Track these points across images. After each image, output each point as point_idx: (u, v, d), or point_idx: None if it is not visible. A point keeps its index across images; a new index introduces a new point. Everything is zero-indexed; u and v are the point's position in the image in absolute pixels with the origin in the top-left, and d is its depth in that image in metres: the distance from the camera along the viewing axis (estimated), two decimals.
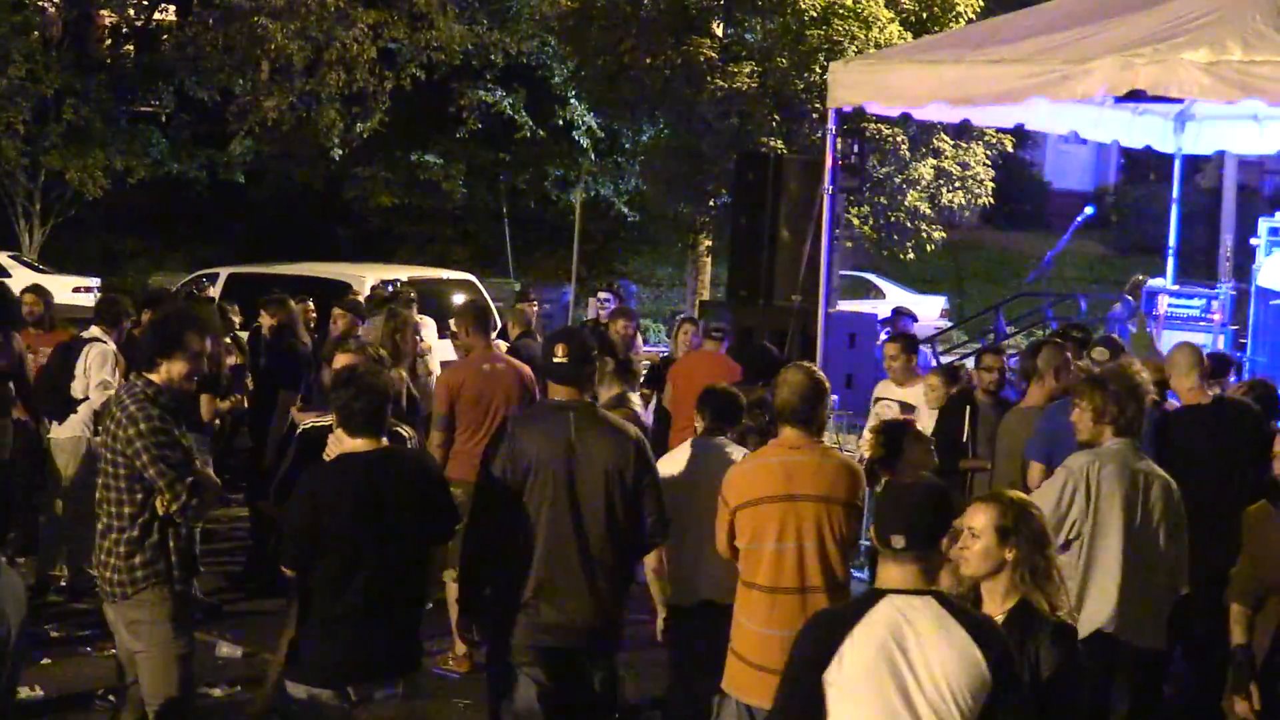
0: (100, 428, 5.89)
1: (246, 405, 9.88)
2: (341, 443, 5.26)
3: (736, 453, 6.13)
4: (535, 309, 12.84)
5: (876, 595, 3.84)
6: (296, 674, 5.19)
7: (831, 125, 10.51)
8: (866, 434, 5.74)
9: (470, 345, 8.45)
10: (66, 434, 9.16)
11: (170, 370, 5.72)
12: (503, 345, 11.39)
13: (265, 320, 10.26)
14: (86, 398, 9.08)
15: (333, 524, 5.12)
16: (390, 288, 13.12)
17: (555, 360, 5.72)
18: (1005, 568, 4.29)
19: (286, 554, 5.30)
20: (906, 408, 8.69)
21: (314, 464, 5.44)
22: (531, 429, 5.69)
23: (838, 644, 3.78)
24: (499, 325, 12.09)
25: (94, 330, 9.44)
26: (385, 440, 5.29)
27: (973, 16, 18.33)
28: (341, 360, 6.44)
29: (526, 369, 8.51)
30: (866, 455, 5.79)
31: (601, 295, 12.99)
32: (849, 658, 3.76)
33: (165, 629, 5.70)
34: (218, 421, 9.42)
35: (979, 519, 4.29)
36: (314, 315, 11.68)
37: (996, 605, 4.28)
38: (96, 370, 9.12)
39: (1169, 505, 5.79)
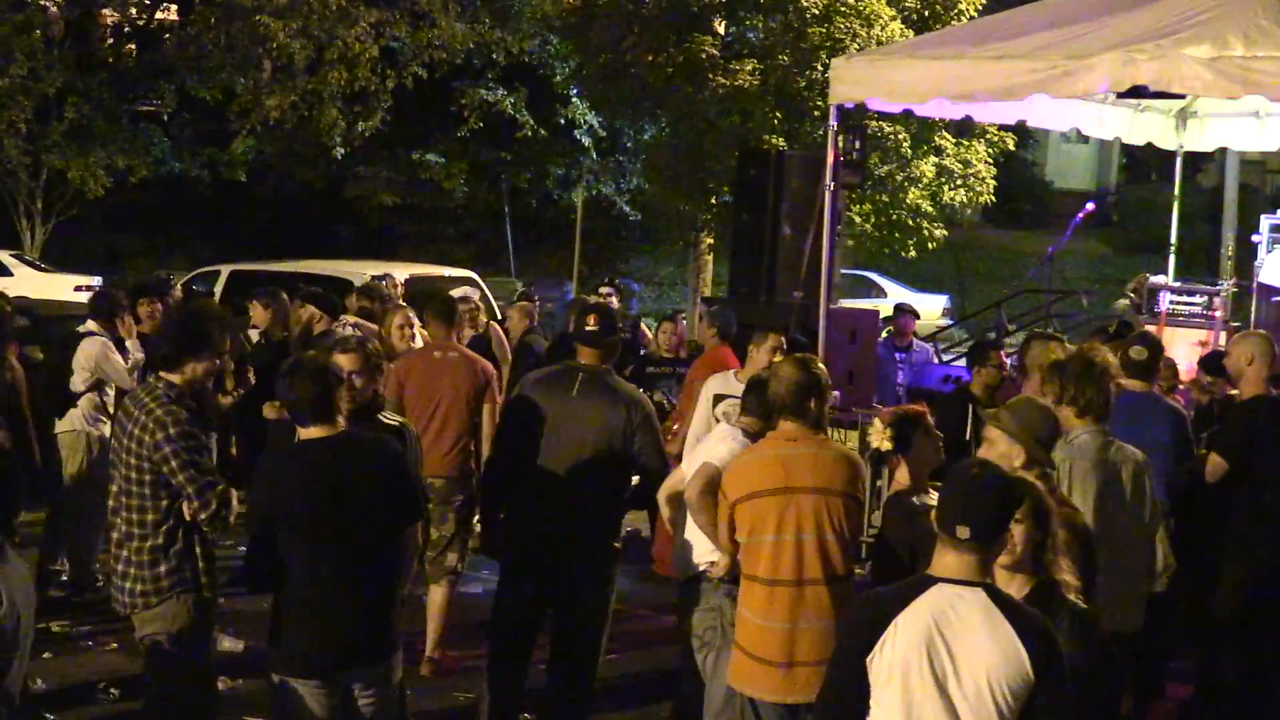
0: (114, 429, 5.80)
1: (241, 400, 9.84)
2: (297, 432, 5.23)
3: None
4: (535, 307, 12.94)
5: (927, 582, 3.82)
6: (277, 665, 5.19)
7: (833, 121, 10.50)
8: (877, 423, 5.72)
9: (431, 334, 8.44)
10: (66, 429, 9.17)
11: (196, 369, 5.68)
12: (502, 329, 11.40)
13: (257, 315, 10.21)
14: (86, 391, 9.10)
15: (294, 508, 5.09)
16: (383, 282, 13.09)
17: (587, 328, 6.53)
18: (1032, 549, 4.27)
19: (253, 534, 5.29)
20: None
21: (272, 451, 5.46)
22: (539, 386, 6.53)
23: (882, 628, 3.78)
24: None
25: (90, 325, 9.46)
26: (341, 425, 5.25)
27: (974, 14, 18.31)
28: (342, 360, 6.43)
29: (484, 361, 8.52)
30: (875, 446, 5.76)
31: (603, 290, 13.00)
32: (890, 643, 3.76)
33: (184, 646, 5.61)
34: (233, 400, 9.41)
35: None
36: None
37: (1015, 589, 4.24)
38: (90, 364, 9.15)
39: (1139, 487, 5.79)
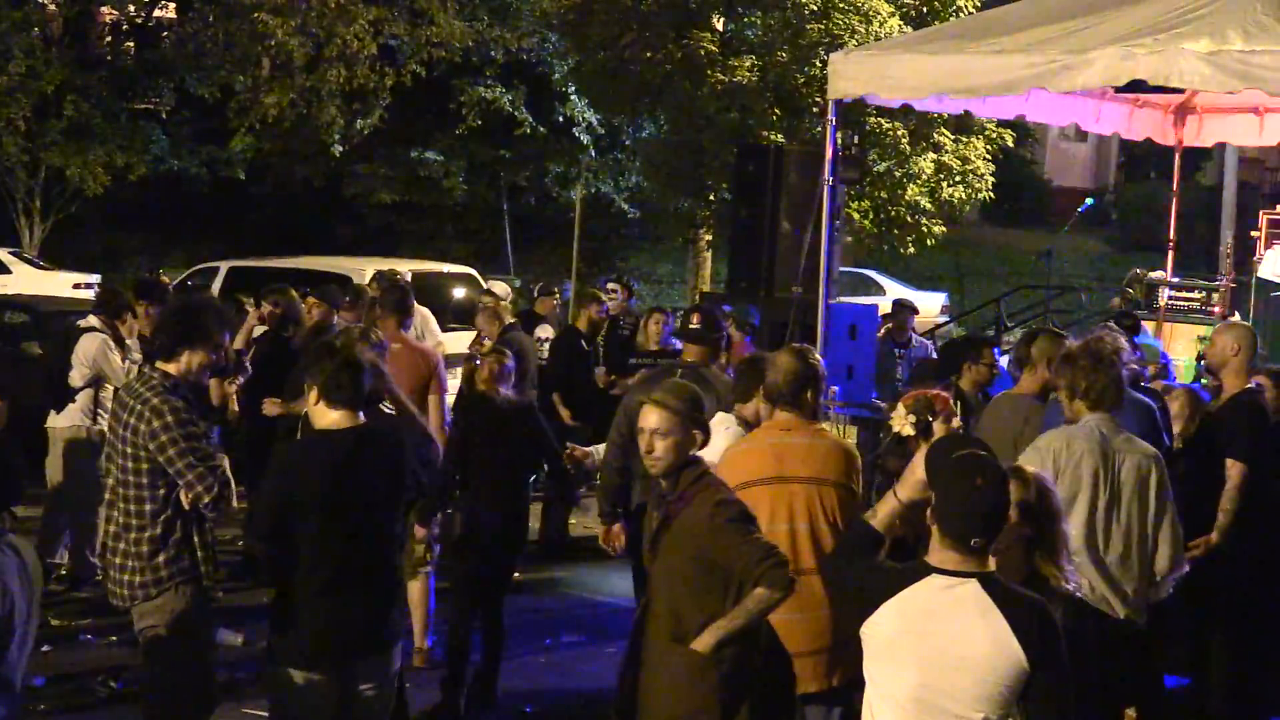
0: (110, 422, 5.78)
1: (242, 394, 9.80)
2: (322, 416, 5.17)
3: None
4: (555, 302, 13.38)
5: (922, 570, 3.82)
6: (282, 655, 5.17)
7: (831, 116, 10.49)
8: (899, 407, 5.66)
9: (382, 326, 8.36)
10: (64, 423, 9.16)
11: (191, 360, 5.64)
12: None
13: (266, 309, 10.19)
14: (84, 386, 9.10)
15: (308, 502, 5.06)
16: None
17: (690, 326, 7.06)
18: (1021, 542, 4.26)
19: (259, 528, 5.22)
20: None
21: (291, 440, 5.42)
22: (642, 387, 6.91)
23: (873, 606, 3.80)
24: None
25: (92, 320, 9.46)
26: (361, 417, 5.23)
27: (973, 10, 18.31)
28: None
29: (428, 351, 8.53)
30: (898, 431, 5.70)
31: (610, 286, 13.06)
32: (878, 624, 3.78)
33: (184, 637, 5.58)
34: (234, 408, 9.39)
35: None
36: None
37: (1006, 577, 4.24)
38: (88, 360, 9.15)
39: (1143, 480, 5.75)
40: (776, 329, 11.02)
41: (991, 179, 19.60)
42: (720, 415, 6.37)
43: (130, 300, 9.72)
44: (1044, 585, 4.23)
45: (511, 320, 11.73)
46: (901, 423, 5.55)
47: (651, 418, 4.91)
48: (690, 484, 4.88)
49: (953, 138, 18.97)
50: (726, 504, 4.84)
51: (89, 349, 9.18)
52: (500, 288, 13.21)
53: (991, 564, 3.89)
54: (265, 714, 6.40)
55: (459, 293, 15.84)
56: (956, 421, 5.73)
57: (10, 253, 24.80)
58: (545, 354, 11.68)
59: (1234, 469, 7.02)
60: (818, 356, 5.78)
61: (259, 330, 10.15)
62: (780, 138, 17.97)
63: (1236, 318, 12.13)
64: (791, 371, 5.57)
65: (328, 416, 5.16)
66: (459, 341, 12.85)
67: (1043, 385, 7.29)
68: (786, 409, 5.57)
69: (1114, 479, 5.68)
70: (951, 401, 5.72)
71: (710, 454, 5.97)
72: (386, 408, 6.28)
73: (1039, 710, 3.74)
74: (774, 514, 5.44)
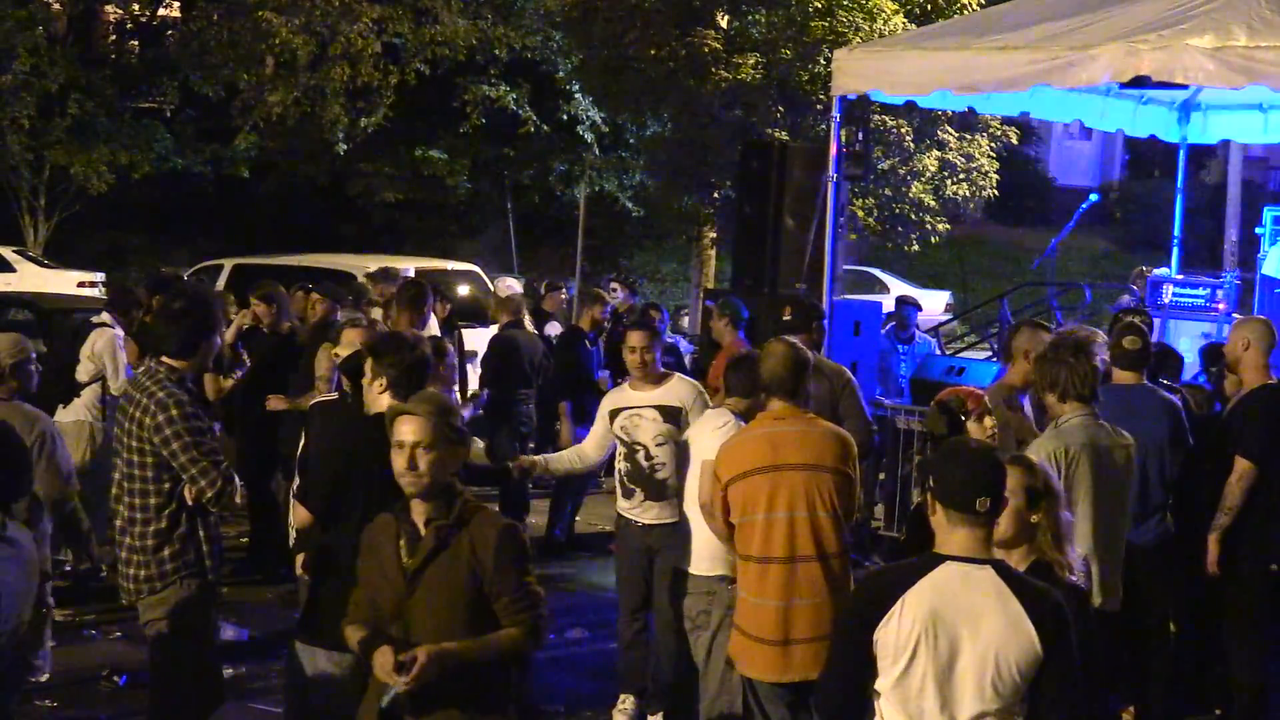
0: (117, 416, 5.77)
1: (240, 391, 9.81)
2: (382, 403, 5.10)
3: None
4: (562, 298, 13.52)
5: (934, 560, 3.81)
6: (308, 637, 5.17)
7: (836, 112, 10.51)
8: (932, 407, 5.66)
9: (396, 322, 8.34)
10: (70, 418, 9.17)
11: (204, 354, 5.68)
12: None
13: (260, 311, 10.19)
14: (90, 382, 9.11)
15: (356, 478, 5.04)
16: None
17: (784, 319, 7.25)
18: (1029, 530, 4.27)
19: (315, 494, 5.13)
20: (670, 412, 6.96)
21: (346, 418, 5.42)
22: None
23: (887, 605, 3.77)
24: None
25: (104, 316, 9.49)
26: None
27: (977, 7, 18.29)
28: (352, 337, 6.45)
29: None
30: (932, 430, 5.72)
31: (613, 286, 13.11)
32: (897, 621, 3.76)
33: (189, 632, 5.56)
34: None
35: (1009, 482, 4.16)
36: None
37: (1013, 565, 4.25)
38: (97, 356, 9.17)
39: (1128, 471, 5.83)
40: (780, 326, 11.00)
41: (995, 176, 19.61)
42: (711, 412, 6.36)
43: (139, 296, 9.74)
44: (1048, 574, 4.24)
45: (511, 318, 11.73)
46: (932, 423, 5.58)
47: (411, 429, 4.31)
48: (462, 506, 4.35)
49: (957, 135, 18.97)
50: (514, 531, 4.39)
51: (98, 343, 9.21)
52: (505, 285, 13.26)
53: (1003, 555, 3.92)
54: (271, 710, 6.43)
55: (463, 290, 15.86)
56: (989, 420, 5.74)
57: (15, 251, 24.82)
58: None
59: (1239, 465, 6.89)
60: (804, 346, 5.80)
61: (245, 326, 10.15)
62: (784, 135, 17.95)
63: (1240, 314, 12.10)
64: (784, 360, 5.59)
65: (386, 403, 5.10)
66: (464, 339, 12.87)
67: (1024, 377, 7.17)
68: (780, 398, 5.59)
69: (1109, 475, 5.71)
70: (985, 400, 5.73)
71: (708, 448, 6.01)
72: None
73: (1049, 697, 3.75)
74: (772, 502, 5.46)
